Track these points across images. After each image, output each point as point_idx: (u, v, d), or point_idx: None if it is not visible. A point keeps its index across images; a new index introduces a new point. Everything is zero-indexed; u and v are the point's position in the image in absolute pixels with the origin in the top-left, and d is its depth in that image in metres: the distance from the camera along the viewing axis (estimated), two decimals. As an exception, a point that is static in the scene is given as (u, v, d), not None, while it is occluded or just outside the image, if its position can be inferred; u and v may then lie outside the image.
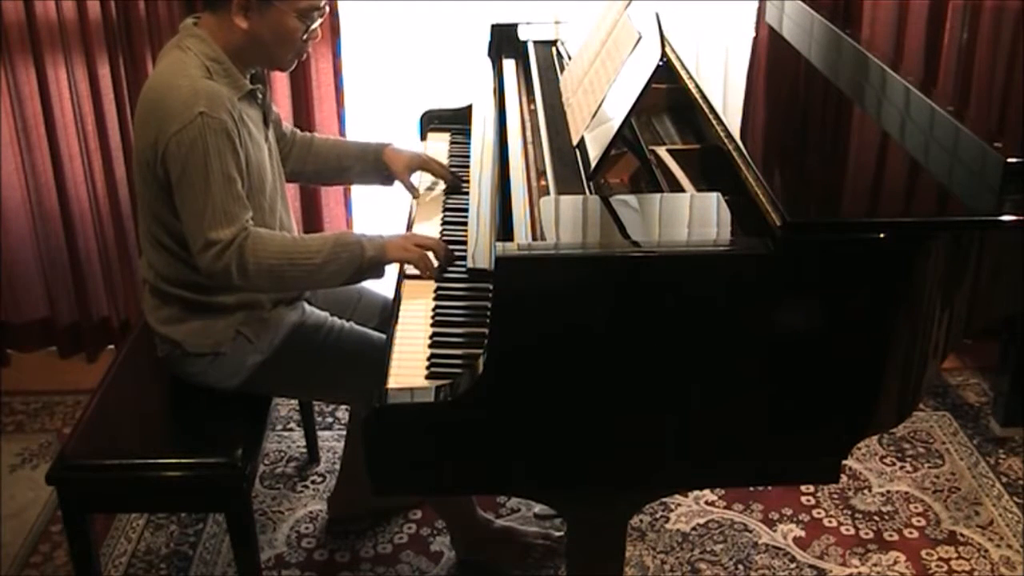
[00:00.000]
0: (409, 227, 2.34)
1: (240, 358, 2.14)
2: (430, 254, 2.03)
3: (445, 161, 2.57)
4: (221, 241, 1.95)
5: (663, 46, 1.85)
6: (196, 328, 2.12)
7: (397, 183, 2.45)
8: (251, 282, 2.01)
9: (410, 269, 2.07)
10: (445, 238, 2.23)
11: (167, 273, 2.11)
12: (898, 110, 2.06)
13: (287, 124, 2.43)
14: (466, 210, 2.25)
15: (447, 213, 2.35)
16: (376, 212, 3.42)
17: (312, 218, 3.28)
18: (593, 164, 1.88)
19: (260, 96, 2.13)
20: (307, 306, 2.23)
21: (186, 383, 2.18)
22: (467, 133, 2.62)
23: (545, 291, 1.60)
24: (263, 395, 2.22)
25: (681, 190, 1.93)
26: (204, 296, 2.10)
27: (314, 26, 2.08)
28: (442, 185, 2.45)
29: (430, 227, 2.29)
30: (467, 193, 2.33)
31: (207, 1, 2.06)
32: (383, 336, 2.07)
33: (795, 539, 2.57)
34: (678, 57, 2.11)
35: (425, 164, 2.45)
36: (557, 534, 2.49)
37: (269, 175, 2.13)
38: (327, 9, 2.11)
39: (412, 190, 2.44)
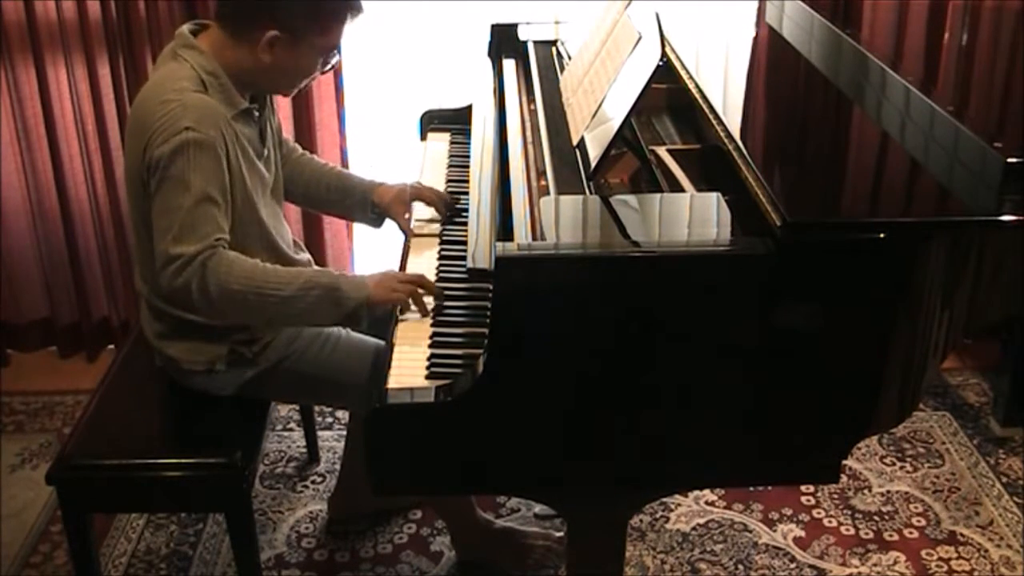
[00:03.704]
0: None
1: (237, 372, 2.11)
2: (420, 290, 1.95)
3: (445, 162, 2.57)
4: (183, 256, 1.86)
5: (663, 46, 1.85)
6: (190, 347, 2.08)
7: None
8: (213, 307, 1.91)
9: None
10: (444, 238, 2.24)
11: (159, 289, 2.04)
12: (898, 110, 2.06)
13: (288, 139, 2.38)
14: (466, 210, 2.25)
15: (448, 222, 2.34)
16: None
17: (312, 226, 3.27)
18: (593, 164, 1.88)
19: (257, 114, 2.08)
20: None
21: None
22: (467, 133, 2.62)
23: (545, 291, 1.60)
24: (262, 399, 2.22)
25: (681, 190, 1.93)
26: (195, 315, 2.02)
27: (333, 62, 2.06)
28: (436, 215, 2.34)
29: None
30: (465, 198, 2.32)
31: (227, 25, 1.98)
32: (380, 343, 2.06)
33: (795, 539, 2.57)
34: (678, 57, 2.10)
35: (417, 194, 2.35)
36: (557, 534, 2.49)
37: (259, 190, 2.06)
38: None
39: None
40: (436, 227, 2.30)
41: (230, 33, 1.98)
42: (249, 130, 2.05)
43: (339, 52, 2.06)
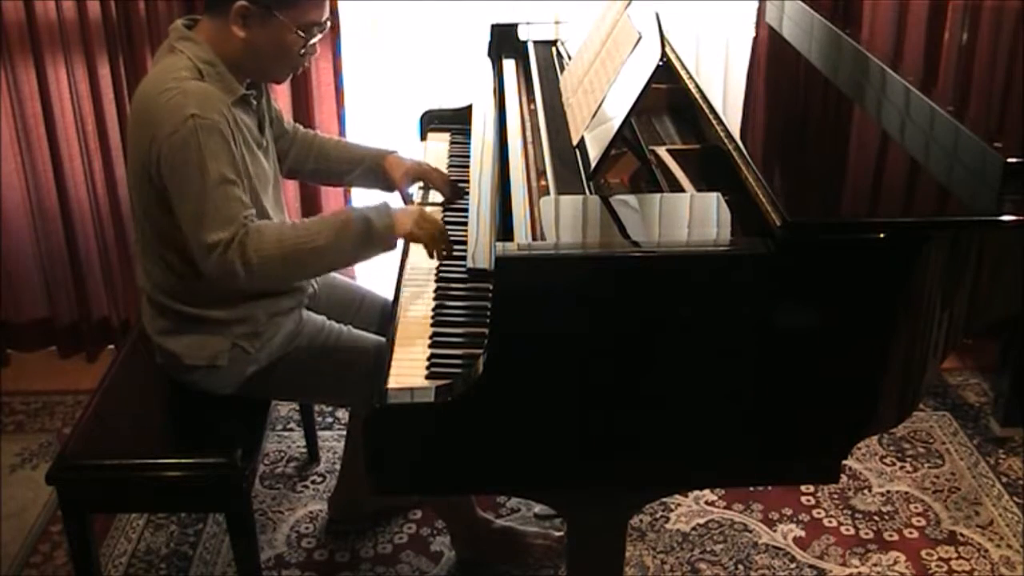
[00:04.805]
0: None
1: (238, 370, 2.12)
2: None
3: (445, 162, 2.57)
4: (221, 242, 1.91)
5: (663, 46, 1.85)
6: (192, 342, 2.09)
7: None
8: (258, 277, 1.96)
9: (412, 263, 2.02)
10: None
11: (163, 284, 2.08)
12: (898, 110, 2.06)
13: (289, 121, 2.41)
14: (466, 210, 2.25)
15: (447, 213, 2.34)
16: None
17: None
18: (593, 164, 1.88)
19: (255, 102, 2.10)
20: (304, 312, 2.20)
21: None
22: (467, 133, 2.62)
23: (545, 291, 1.60)
24: (263, 399, 2.22)
25: (681, 190, 1.93)
26: (199, 310, 2.07)
27: (313, 42, 2.05)
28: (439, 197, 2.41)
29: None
30: (466, 196, 2.32)
31: (206, 5, 2.03)
32: (382, 339, 2.06)
33: (795, 539, 2.57)
34: (678, 57, 2.11)
35: (425, 175, 2.41)
36: (557, 534, 2.49)
37: (262, 183, 2.08)
38: (328, 25, 2.08)
39: (407, 201, 2.39)
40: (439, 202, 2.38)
41: (212, 17, 2.01)
42: (248, 119, 2.07)
43: (320, 30, 2.05)
